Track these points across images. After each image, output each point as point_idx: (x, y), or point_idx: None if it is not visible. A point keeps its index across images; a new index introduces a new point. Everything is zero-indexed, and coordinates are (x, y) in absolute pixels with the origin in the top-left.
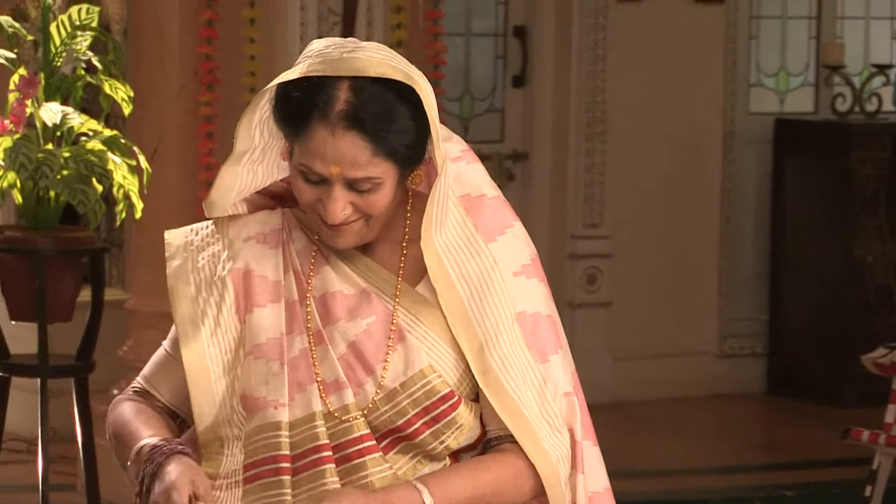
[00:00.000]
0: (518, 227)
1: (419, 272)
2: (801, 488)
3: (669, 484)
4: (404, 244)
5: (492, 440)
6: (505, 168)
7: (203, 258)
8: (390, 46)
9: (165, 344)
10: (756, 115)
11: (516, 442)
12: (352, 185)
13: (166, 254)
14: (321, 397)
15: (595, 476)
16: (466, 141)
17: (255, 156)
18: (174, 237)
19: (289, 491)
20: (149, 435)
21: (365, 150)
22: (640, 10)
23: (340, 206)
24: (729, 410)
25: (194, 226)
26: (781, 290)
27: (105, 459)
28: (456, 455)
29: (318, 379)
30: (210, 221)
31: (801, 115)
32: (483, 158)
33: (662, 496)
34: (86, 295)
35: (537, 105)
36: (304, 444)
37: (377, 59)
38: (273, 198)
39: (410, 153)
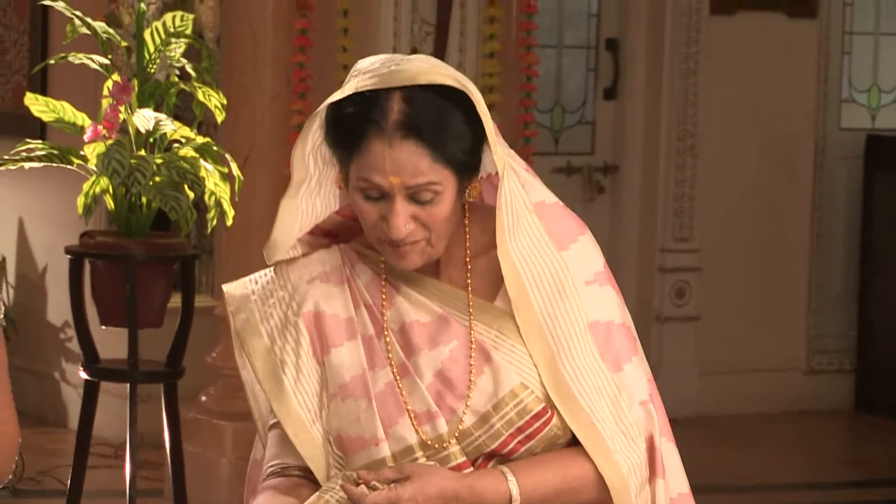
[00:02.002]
0: (589, 235)
1: (490, 286)
2: None
3: (755, 499)
4: (468, 259)
5: None
6: (595, 180)
7: (269, 306)
8: (483, 57)
9: (265, 423)
10: (848, 130)
11: None
12: (413, 197)
13: (230, 308)
14: (415, 429)
15: (676, 480)
16: (557, 153)
17: (312, 186)
18: (234, 289)
19: None
20: None
21: (424, 158)
22: (733, 24)
23: (402, 219)
24: (816, 426)
25: (252, 276)
26: (871, 307)
27: (192, 465)
28: None
29: (409, 409)
30: (269, 269)
31: (892, 131)
32: (573, 170)
33: None
34: (176, 301)
35: (628, 118)
36: None
37: (426, 68)
38: (326, 235)
39: (468, 159)
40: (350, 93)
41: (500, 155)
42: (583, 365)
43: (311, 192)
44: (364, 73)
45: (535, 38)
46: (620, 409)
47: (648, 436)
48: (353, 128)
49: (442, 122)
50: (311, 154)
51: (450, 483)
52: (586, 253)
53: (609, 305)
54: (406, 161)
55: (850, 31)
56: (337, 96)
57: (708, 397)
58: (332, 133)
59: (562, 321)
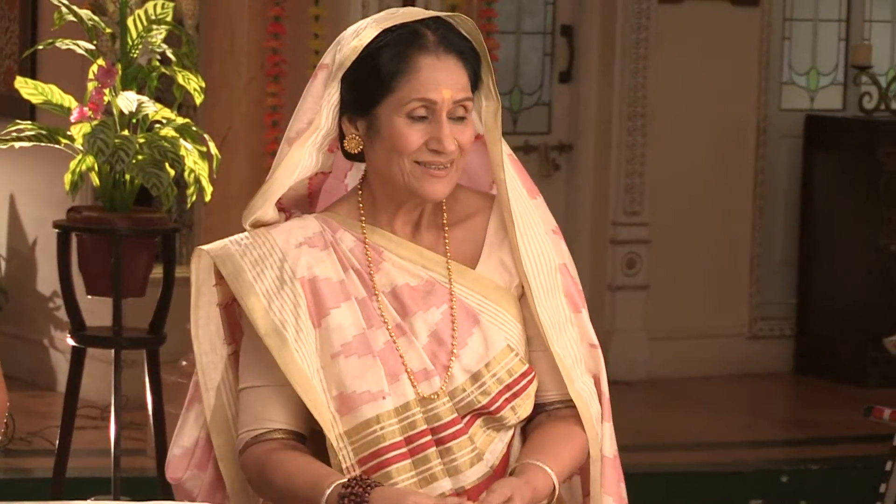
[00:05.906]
0: (542, 199)
1: (470, 254)
2: (826, 462)
3: (702, 456)
4: (444, 225)
5: (547, 405)
6: (551, 158)
7: (261, 266)
8: None
9: (251, 382)
10: (788, 111)
11: (572, 406)
12: (451, 115)
13: (223, 269)
14: (413, 386)
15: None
16: (516, 133)
17: (319, 139)
18: (221, 252)
19: (438, 461)
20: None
21: (463, 74)
22: (681, 12)
23: (449, 133)
24: (758, 389)
25: (230, 239)
26: (810, 276)
27: (173, 426)
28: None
29: (407, 368)
30: (245, 234)
31: (830, 112)
32: (531, 149)
33: (695, 468)
34: (158, 272)
35: (582, 100)
36: (408, 431)
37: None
38: (282, 210)
39: (476, 88)
40: (377, 32)
41: (492, 87)
42: (551, 302)
43: (316, 144)
44: (373, 21)
45: (495, 25)
46: (577, 344)
47: (593, 375)
48: (395, 55)
49: (465, 45)
50: (327, 109)
51: (524, 487)
52: (545, 209)
53: (569, 256)
54: (452, 73)
55: (790, 18)
56: (365, 39)
57: (657, 361)
58: (367, 69)
59: (538, 259)
